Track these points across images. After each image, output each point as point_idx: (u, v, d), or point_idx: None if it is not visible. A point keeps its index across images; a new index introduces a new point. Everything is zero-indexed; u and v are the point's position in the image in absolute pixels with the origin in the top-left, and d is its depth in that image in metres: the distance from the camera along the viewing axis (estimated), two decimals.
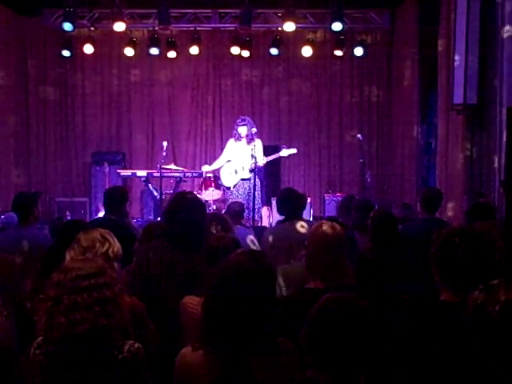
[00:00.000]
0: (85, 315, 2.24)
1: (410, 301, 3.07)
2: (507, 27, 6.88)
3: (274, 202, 10.15)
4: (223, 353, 2.18)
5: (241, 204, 6.97)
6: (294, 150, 9.68)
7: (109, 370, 2.28)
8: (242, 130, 9.44)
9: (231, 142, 9.69)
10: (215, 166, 9.78)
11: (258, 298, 2.23)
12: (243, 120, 9.55)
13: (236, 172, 9.69)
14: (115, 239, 3.03)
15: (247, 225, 7.50)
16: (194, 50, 10.97)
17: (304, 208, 5.43)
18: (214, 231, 3.98)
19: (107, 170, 10.53)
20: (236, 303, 2.21)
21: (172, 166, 10.23)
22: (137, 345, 2.35)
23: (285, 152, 9.65)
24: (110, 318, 2.29)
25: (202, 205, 3.80)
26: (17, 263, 3.53)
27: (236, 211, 6.07)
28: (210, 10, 10.89)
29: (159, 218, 8.99)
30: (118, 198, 5.27)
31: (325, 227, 2.96)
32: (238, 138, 9.53)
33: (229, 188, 9.74)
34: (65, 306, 2.25)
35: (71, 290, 2.28)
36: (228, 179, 9.78)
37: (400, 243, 4.39)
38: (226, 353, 2.18)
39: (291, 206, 5.09)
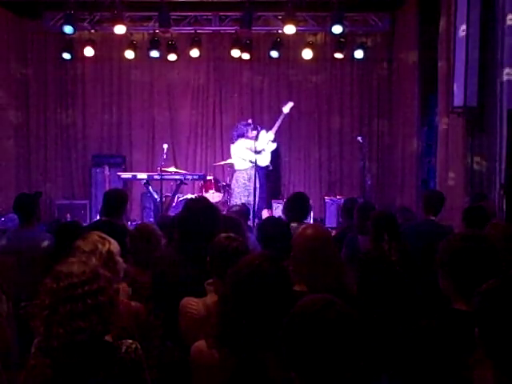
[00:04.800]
0: (82, 324, 2.24)
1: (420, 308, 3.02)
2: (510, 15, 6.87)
3: (274, 205, 10.19)
4: (238, 352, 2.23)
5: (242, 205, 6.95)
6: (290, 104, 10.23)
7: (107, 371, 2.27)
8: (253, 134, 9.67)
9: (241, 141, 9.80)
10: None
11: (276, 300, 2.28)
12: (250, 124, 9.81)
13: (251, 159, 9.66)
14: (110, 238, 3.09)
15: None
16: (195, 52, 10.98)
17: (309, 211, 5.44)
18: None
19: (107, 172, 10.54)
20: (254, 305, 2.25)
21: (172, 169, 10.26)
22: (134, 345, 2.35)
23: (286, 108, 10.11)
24: (107, 323, 2.30)
25: (214, 214, 3.68)
26: (16, 265, 3.54)
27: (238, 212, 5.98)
28: (210, 13, 10.89)
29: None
30: (117, 200, 5.25)
31: (309, 230, 2.97)
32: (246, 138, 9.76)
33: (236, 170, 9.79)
34: (61, 315, 2.25)
35: (66, 299, 2.27)
36: (240, 163, 9.82)
37: (400, 242, 4.37)
38: (241, 351, 2.22)
39: (299, 209, 5.07)
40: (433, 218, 5.54)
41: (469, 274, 2.35)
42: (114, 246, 3.07)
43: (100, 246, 3.00)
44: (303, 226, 3.17)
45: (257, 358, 2.14)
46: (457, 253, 2.40)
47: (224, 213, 7.05)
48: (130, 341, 2.37)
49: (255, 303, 2.26)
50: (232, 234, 3.21)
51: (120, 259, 3.08)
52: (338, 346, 1.81)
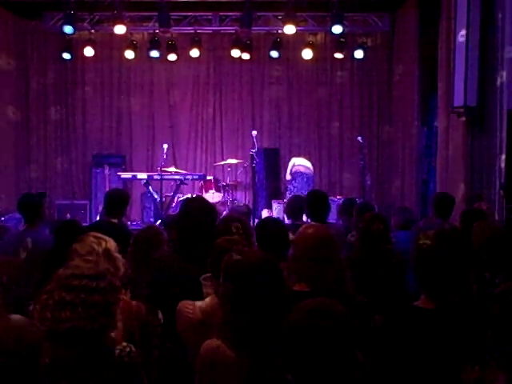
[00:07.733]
0: (68, 314, 2.22)
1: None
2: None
3: (274, 205, 10.19)
4: (252, 353, 2.24)
5: (245, 206, 6.96)
6: None
7: (99, 374, 2.24)
8: None
9: None
10: None
11: (272, 301, 2.33)
12: None
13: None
14: (105, 236, 3.10)
15: None
16: (195, 52, 10.99)
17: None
18: (234, 231, 3.69)
19: (108, 172, 10.55)
20: (251, 307, 2.30)
21: (172, 169, 10.27)
22: (128, 348, 2.33)
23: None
24: (92, 321, 2.25)
25: (212, 213, 3.65)
26: (20, 262, 3.54)
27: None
28: (210, 13, 10.90)
29: (159, 221, 9.00)
30: (118, 200, 5.26)
31: (310, 229, 2.97)
32: None
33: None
34: (53, 301, 2.25)
35: (62, 286, 2.28)
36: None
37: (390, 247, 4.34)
38: (255, 353, 2.23)
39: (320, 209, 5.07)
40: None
41: (427, 271, 2.55)
42: (110, 243, 3.08)
43: (96, 246, 3.02)
44: (304, 225, 3.17)
45: (271, 358, 2.14)
46: (417, 251, 2.61)
47: (226, 213, 7.06)
48: (125, 344, 2.35)
49: (252, 305, 2.30)
50: (234, 237, 3.19)
51: (118, 255, 3.09)
52: (332, 351, 1.81)
